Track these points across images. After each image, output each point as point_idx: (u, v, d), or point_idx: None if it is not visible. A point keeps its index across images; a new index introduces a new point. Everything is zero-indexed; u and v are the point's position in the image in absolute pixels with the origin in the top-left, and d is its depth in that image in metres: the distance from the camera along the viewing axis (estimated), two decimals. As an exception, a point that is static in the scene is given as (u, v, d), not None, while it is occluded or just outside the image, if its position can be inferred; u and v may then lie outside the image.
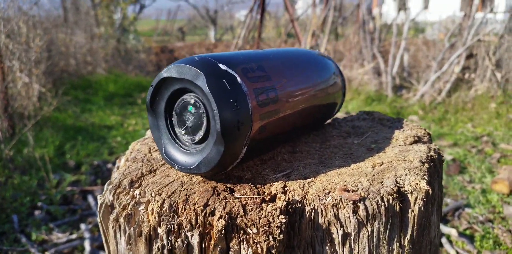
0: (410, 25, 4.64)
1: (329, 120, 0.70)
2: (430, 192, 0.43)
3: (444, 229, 1.79)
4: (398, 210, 0.42)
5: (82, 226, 1.81)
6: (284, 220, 0.39)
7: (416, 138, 0.56)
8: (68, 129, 2.98)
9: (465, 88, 4.13)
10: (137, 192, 0.44)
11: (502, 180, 2.07)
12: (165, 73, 0.44)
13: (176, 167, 0.45)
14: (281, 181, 0.46)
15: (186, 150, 0.46)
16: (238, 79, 0.42)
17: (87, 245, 1.67)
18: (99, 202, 0.45)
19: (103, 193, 0.47)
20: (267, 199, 0.42)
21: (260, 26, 4.39)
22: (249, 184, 0.45)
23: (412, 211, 0.42)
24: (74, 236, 1.76)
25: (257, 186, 0.45)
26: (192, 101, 0.44)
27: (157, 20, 13.17)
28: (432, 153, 0.51)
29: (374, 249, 0.42)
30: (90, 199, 2.04)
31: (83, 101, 3.84)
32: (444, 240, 1.71)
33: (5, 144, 2.37)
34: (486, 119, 3.40)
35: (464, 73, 4.38)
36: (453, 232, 1.75)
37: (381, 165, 0.48)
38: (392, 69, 4.23)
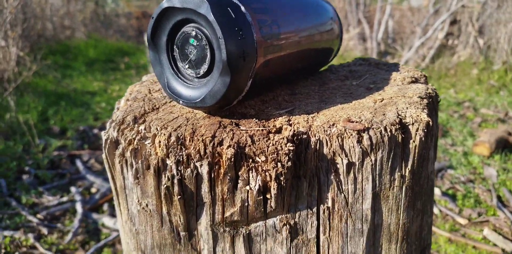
0: (396, -10, 4.58)
1: (325, 67, 0.70)
2: (431, 123, 0.44)
3: (426, 186, 1.86)
4: (400, 140, 0.43)
5: (73, 189, 1.81)
6: (291, 148, 0.40)
7: (413, 79, 0.57)
8: (49, 95, 2.91)
9: (448, 55, 4.17)
10: (142, 127, 0.44)
11: (482, 143, 2.14)
12: (166, 3, 0.42)
13: (181, 101, 0.45)
14: (285, 116, 0.46)
15: (190, 84, 0.45)
16: (242, 8, 0.42)
17: (78, 207, 1.68)
18: (104, 138, 0.45)
19: (106, 130, 0.46)
20: (273, 131, 0.43)
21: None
22: (254, 119, 0.46)
23: (413, 141, 0.44)
24: (65, 198, 1.77)
25: (262, 121, 0.45)
26: (194, 33, 0.43)
27: (135, -15, 12.58)
28: (430, 90, 0.52)
29: (377, 178, 0.43)
30: (79, 163, 2.03)
31: (63, 66, 3.72)
32: (426, 197, 1.78)
33: (-15, 109, 2.30)
34: (468, 85, 3.47)
35: (448, 39, 4.40)
36: (436, 192, 1.83)
37: (382, 101, 0.49)
38: (377, 35, 4.22)
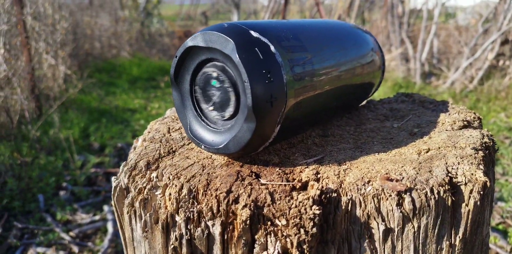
0: (441, 9, 4.42)
1: (363, 102, 0.64)
2: (488, 184, 0.37)
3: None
4: (449, 204, 0.36)
5: (105, 208, 1.82)
6: (317, 212, 0.34)
7: (465, 122, 0.49)
8: (92, 111, 3.01)
9: (499, 76, 3.93)
10: (154, 174, 0.40)
11: (539, 173, 1.95)
12: (190, 41, 0.39)
13: (203, 146, 0.41)
14: (313, 167, 0.40)
15: (214, 128, 0.41)
16: (272, 48, 0.37)
17: (110, 226, 1.68)
18: (113, 184, 0.42)
19: (118, 174, 0.43)
20: (297, 187, 0.37)
21: (284, 10, 4.27)
22: (277, 169, 0.40)
23: (466, 205, 0.37)
24: (97, 217, 1.78)
25: (286, 171, 0.40)
26: (215, 74, 0.39)
27: (180, 5, 13.11)
28: (486, 139, 0.45)
29: (420, 247, 0.36)
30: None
31: (107, 84, 3.86)
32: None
33: (32, 125, 2.40)
34: (521, 109, 3.22)
35: (498, 60, 4.15)
36: (484, 226, 1.67)
37: (427, 152, 0.42)
38: (421, 55, 4.06)
